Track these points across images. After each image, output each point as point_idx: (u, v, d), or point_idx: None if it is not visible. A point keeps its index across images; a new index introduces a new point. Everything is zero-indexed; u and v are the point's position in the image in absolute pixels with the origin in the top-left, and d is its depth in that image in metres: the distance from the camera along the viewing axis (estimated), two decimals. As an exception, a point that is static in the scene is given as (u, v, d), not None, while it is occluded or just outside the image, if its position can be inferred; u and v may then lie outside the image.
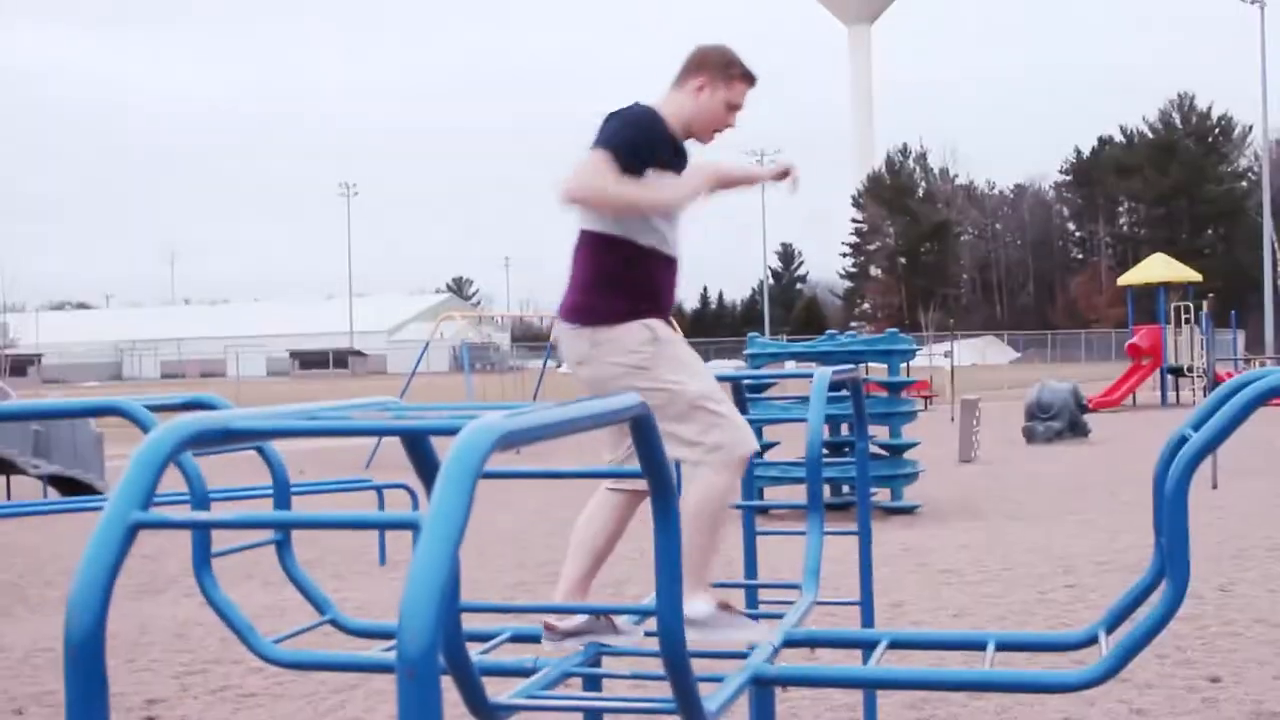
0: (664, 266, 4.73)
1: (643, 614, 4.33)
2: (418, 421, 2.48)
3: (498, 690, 3.82)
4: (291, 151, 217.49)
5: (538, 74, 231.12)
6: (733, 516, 4.92)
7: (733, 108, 4.75)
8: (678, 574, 3.13)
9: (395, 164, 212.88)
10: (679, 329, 4.97)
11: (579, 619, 4.50)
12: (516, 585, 10.76)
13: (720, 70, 4.73)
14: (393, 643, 4.56)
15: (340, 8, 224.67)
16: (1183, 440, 4.06)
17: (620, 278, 4.63)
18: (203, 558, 4.37)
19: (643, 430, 2.89)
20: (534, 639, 4.87)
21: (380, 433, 2.49)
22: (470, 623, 5.25)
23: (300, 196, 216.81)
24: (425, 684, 1.95)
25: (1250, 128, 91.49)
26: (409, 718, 1.95)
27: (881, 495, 15.13)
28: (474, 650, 4.57)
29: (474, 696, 3.35)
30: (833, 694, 7.13)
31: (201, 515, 2.48)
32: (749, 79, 4.79)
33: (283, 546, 4.78)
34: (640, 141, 4.54)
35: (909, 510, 14.72)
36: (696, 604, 4.44)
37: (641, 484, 4.55)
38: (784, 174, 5.15)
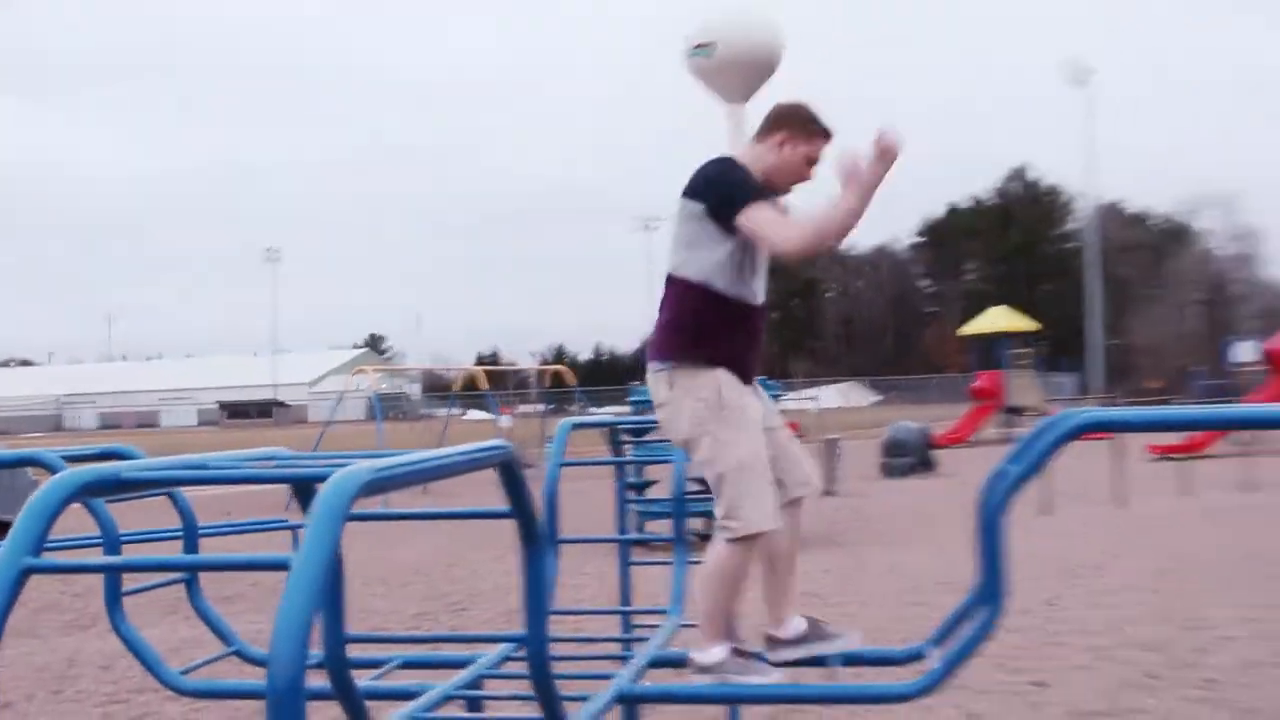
0: (749, 316, 4.51)
1: (516, 641, 4.30)
2: (291, 470, 2.46)
3: (385, 713, 3.78)
4: (219, 218, 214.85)
5: (445, 146, 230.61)
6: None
7: (811, 162, 4.58)
8: (543, 607, 3.11)
9: (316, 230, 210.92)
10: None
11: (798, 629, 4.45)
12: (419, 615, 10.63)
13: (801, 127, 4.57)
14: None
15: (260, 85, 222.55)
16: (1004, 474, 4.12)
17: (702, 325, 4.44)
18: (114, 597, 4.28)
19: (508, 478, 2.88)
20: (422, 665, 4.82)
21: (257, 481, 2.46)
22: (364, 651, 5.20)
23: (228, 260, 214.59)
24: (291, 713, 1.93)
25: (1077, 195, 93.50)
26: (277, 743, 1.93)
27: (750, 526, 15.18)
28: (366, 676, 4.53)
29: (358, 719, 3.31)
30: (700, 710, 7.12)
31: (88, 560, 2.43)
32: (827, 135, 4.61)
33: (191, 585, 4.71)
34: (754, 184, 4.44)
35: (776, 539, 14.78)
36: (710, 652, 4.36)
37: (794, 492, 4.53)
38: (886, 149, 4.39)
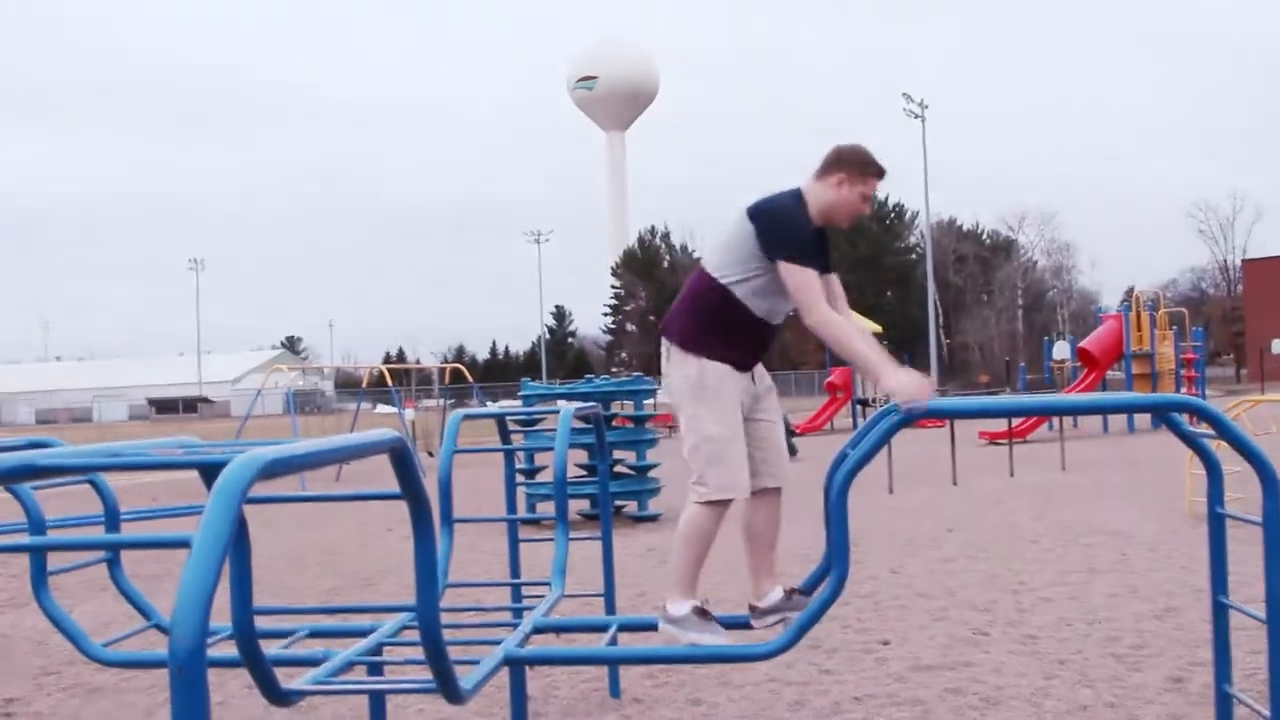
0: (756, 327, 4.53)
1: (412, 610, 4.23)
2: (197, 456, 2.39)
3: (293, 677, 3.69)
4: (149, 226, 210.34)
5: (357, 162, 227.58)
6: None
7: (866, 199, 4.55)
8: (433, 579, 3.05)
9: (240, 238, 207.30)
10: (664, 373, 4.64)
11: (776, 598, 4.48)
12: (331, 591, 10.44)
13: (858, 168, 4.53)
14: (212, 640, 4.39)
15: (191, 102, 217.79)
16: (844, 456, 4.15)
17: (712, 322, 4.50)
18: (39, 576, 4.15)
19: (398, 462, 2.82)
20: (328, 634, 4.73)
21: (164, 466, 2.37)
22: (276, 622, 5.09)
23: (156, 266, 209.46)
24: (192, 678, 1.86)
25: (917, 213, 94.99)
26: (179, 708, 1.86)
27: (630, 506, 15.18)
28: (275, 645, 4.42)
29: (267, 685, 3.23)
30: (585, 669, 7.09)
31: (11, 541, 2.32)
32: (881, 174, 4.58)
33: (113, 564, 4.57)
34: (804, 240, 4.39)
35: (653, 518, 14.78)
36: (677, 605, 4.45)
37: (765, 482, 4.49)
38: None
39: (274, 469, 2.11)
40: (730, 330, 4.50)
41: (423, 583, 3.04)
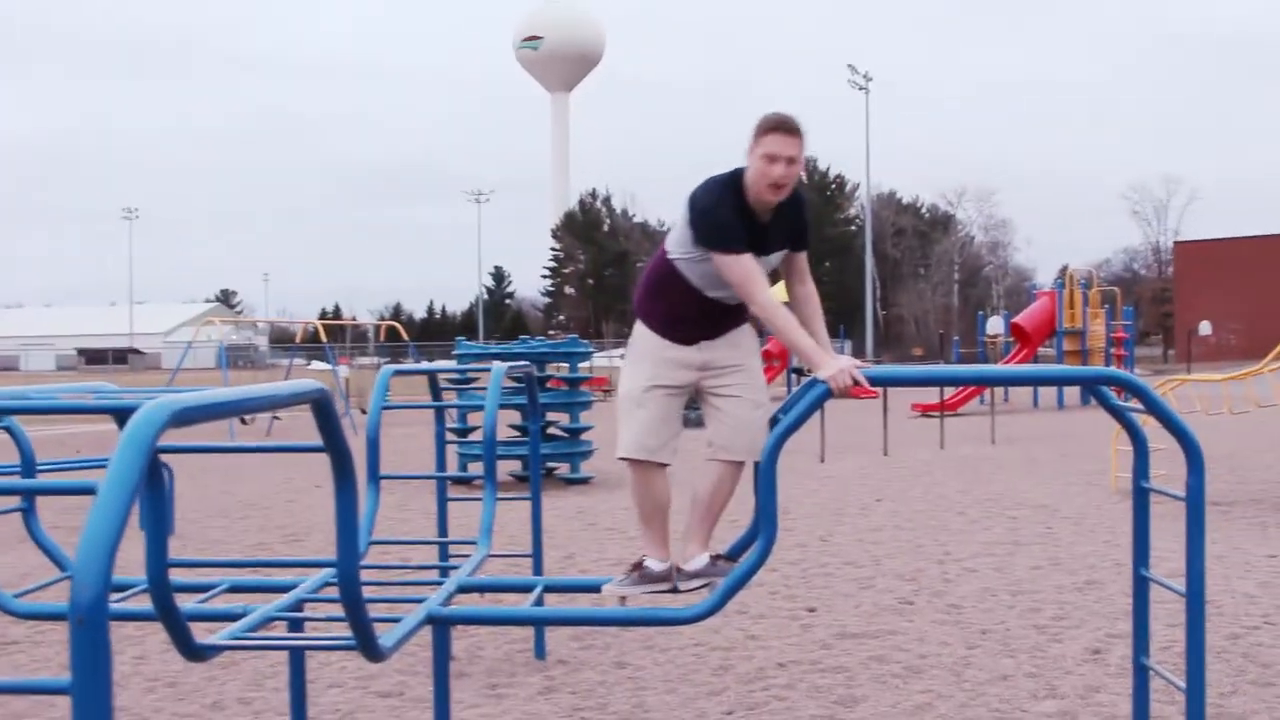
0: (706, 304, 4.45)
1: (327, 566, 4.17)
2: (105, 402, 2.31)
3: (211, 632, 3.62)
4: (81, 174, 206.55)
5: (297, 118, 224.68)
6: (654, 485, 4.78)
7: (770, 158, 4.28)
8: (354, 536, 3.00)
9: (176, 189, 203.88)
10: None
11: (700, 563, 4.41)
12: (257, 545, 10.33)
13: (756, 130, 4.36)
14: (126, 594, 4.30)
15: (128, 53, 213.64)
16: (775, 421, 4.13)
17: (658, 292, 4.52)
18: (-51, 524, 4.03)
19: (320, 414, 2.76)
20: (249, 589, 4.65)
21: (73, 411, 2.29)
22: (196, 576, 5.00)
23: (90, 214, 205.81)
24: (94, 630, 1.80)
25: (858, 185, 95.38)
26: (79, 661, 1.80)
27: (562, 469, 15.15)
28: (194, 600, 4.35)
29: (181, 639, 3.16)
30: (511, 630, 7.06)
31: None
32: (775, 127, 4.32)
33: (28, 514, 4.45)
34: (727, 225, 4.27)
35: (584, 481, 14.76)
36: (648, 560, 4.46)
37: (711, 452, 4.44)
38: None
39: (185, 416, 2.05)
40: (672, 303, 4.51)
41: (343, 538, 2.99)
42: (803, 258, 4.63)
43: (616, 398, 4.59)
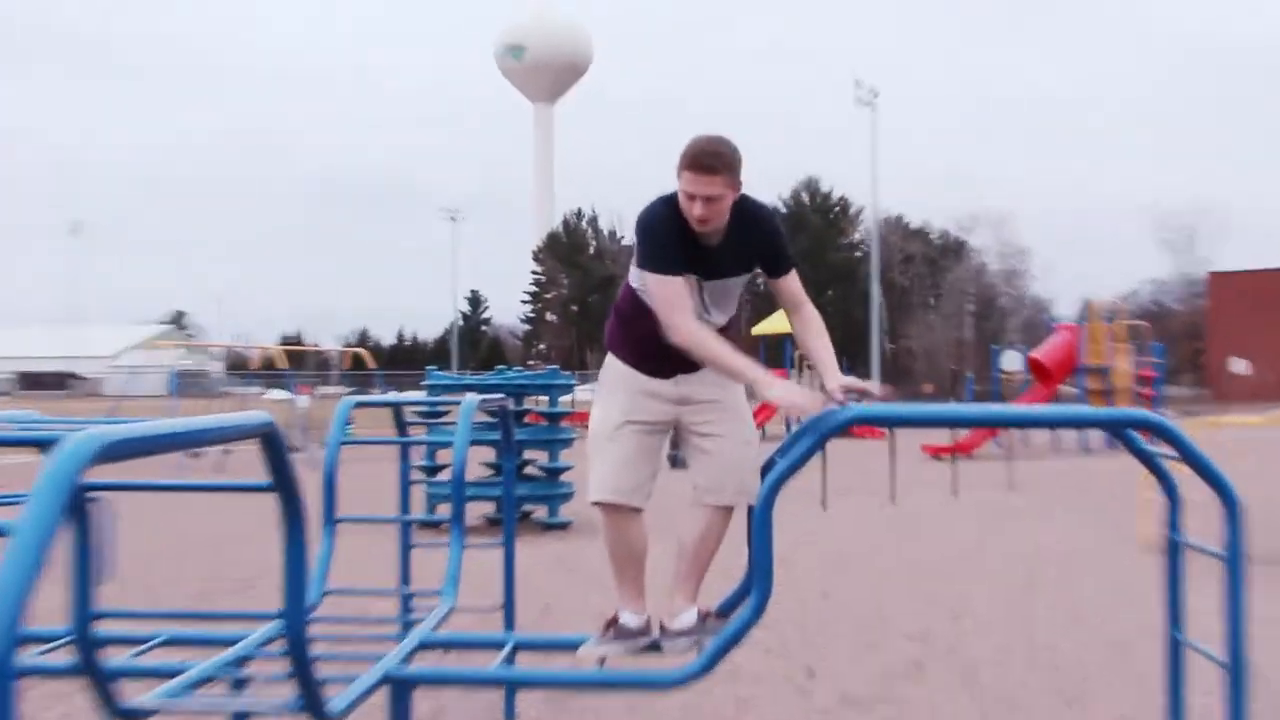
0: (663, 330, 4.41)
1: (272, 617, 4.09)
2: (28, 433, 2.25)
3: (145, 690, 3.54)
4: (20, 188, 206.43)
5: (258, 130, 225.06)
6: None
7: (690, 198, 4.27)
8: (302, 582, 2.93)
9: (127, 202, 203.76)
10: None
11: (688, 620, 4.37)
12: (199, 594, 10.22)
13: (678, 161, 4.33)
14: (50, 646, 4.21)
15: (71, 58, 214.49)
16: (771, 464, 4.07)
17: (628, 326, 4.56)
18: None
19: (269, 449, 2.69)
20: (187, 643, 4.57)
21: (-15, 445, 2.22)
22: (130, 627, 4.91)
23: (30, 231, 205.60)
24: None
25: (863, 208, 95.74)
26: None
27: (539, 512, 15.06)
28: (128, 652, 4.26)
29: (106, 698, 3.08)
30: (479, 690, 6.97)
31: None
32: (688, 165, 4.28)
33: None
34: (661, 246, 4.30)
35: (563, 526, 14.68)
36: (623, 614, 4.45)
37: (699, 496, 4.40)
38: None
39: (114, 451, 1.98)
40: (643, 334, 4.50)
41: (292, 587, 2.92)
42: (789, 281, 4.59)
43: (589, 434, 4.57)
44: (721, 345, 4.32)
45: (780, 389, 4.15)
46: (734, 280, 4.52)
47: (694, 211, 4.28)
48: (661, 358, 4.46)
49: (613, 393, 4.54)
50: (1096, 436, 30.63)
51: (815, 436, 3.78)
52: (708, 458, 4.44)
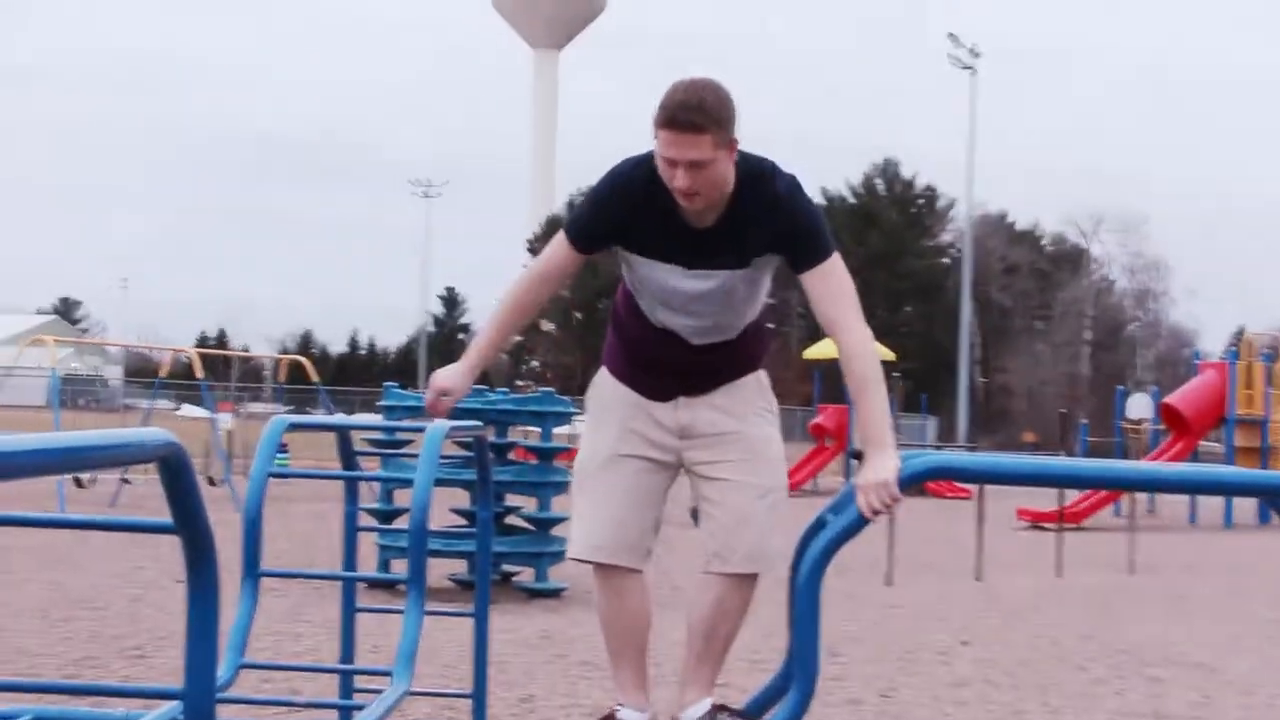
0: (683, 350, 4.51)
1: (172, 696, 4.08)
2: None
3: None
4: None
5: (180, 65, 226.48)
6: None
7: (669, 162, 4.27)
8: (211, 651, 2.92)
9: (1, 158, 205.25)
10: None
11: (695, 713, 4.47)
12: (83, 660, 10.23)
13: (653, 116, 4.30)
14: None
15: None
16: (821, 524, 4.07)
17: (627, 339, 4.65)
18: None
19: (170, 477, 2.68)
20: (60, 722, 4.57)
21: None
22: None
23: None
24: None
25: (954, 201, 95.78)
26: None
27: (524, 575, 15.05)
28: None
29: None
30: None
31: None
32: (663, 122, 4.29)
33: None
34: (584, 212, 4.49)
35: (554, 593, 14.67)
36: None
37: (712, 561, 4.41)
38: None
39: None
40: (637, 340, 4.48)
41: (195, 658, 2.91)
42: (820, 281, 4.45)
43: (576, 468, 4.67)
44: (497, 311, 4.56)
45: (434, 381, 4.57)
46: (731, 275, 4.40)
47: (676, 182, 4.23)
48: (658, 372, 4.43)
49: (602, 419, 4.52)
50: (1247, 507, 30.54)
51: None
52: (715, 509, 4.41)
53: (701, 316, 4.40)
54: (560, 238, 4.40)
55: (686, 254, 4.29)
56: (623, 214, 4.28)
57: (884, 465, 3.92)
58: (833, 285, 4.35)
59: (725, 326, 4.43)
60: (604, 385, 4.54)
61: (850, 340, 4.29)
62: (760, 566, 4.27)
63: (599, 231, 4.33)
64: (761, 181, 4.30)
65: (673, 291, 4.37)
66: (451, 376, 4.37)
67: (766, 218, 4.28)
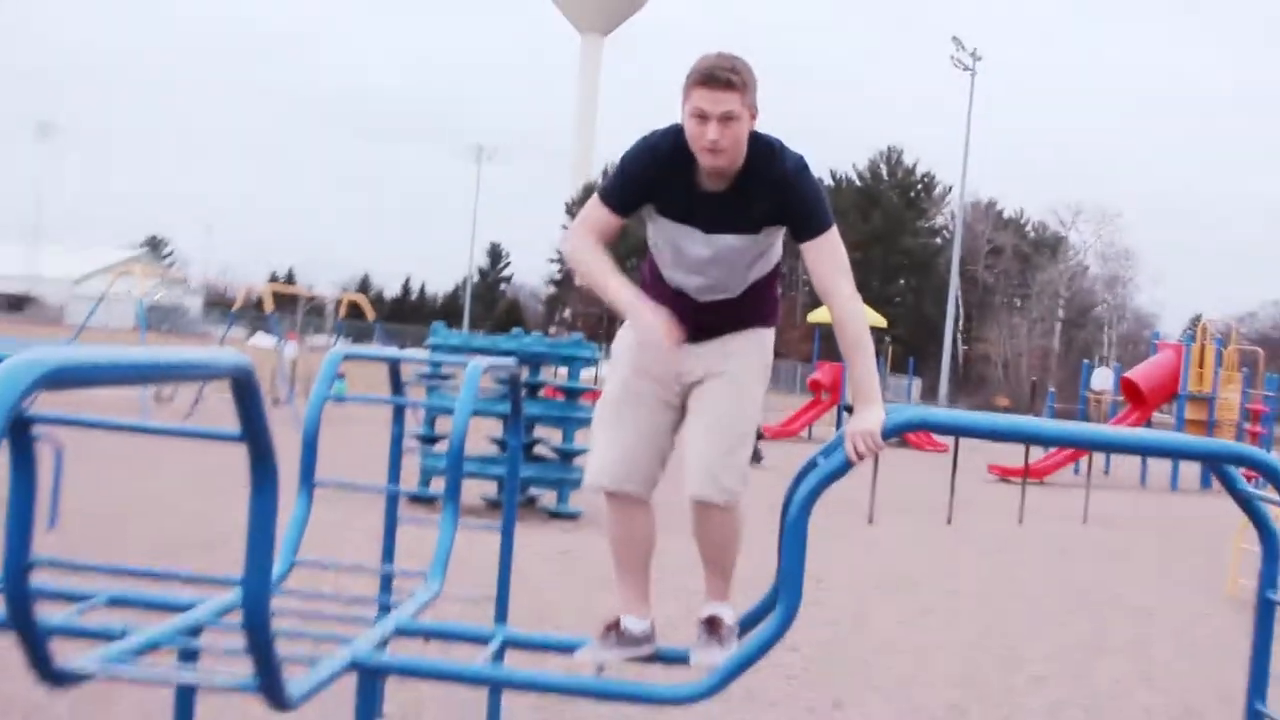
0: (679, 302, 4.49)
1: (234, 584, 4.12)
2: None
3: (83, 653, 3.57)
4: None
5: (265, 34, 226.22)
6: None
7: (699, 116, 4.22)
8: (268, 545, 2.95)
9: (105, 105, 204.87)
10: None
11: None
12: (156, 553, 10.29)
13: (684, 82, 4.31)
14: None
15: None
16: (812, 465, 4.08)
17: (651, 290, 4.60)
18: None
19: (240, 393, 2.71)
20: (132, 604, 4.61)
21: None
22: (73, 581, 4.97)
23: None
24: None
25: (950, 188, 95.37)
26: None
27: (547, 498, 15.11)
28: (65, 610, 4.30)
29: (38, 657, 3.11)
30: (462, 688, 7.01)
31: None
32: (700, 80, 4.25)
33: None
34: (618, 177, 4.41)
35: (572, 516, 14.72)
36: (624, 617, 4.51)
37: (688, 491, 4.39)
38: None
39: (62, 376, 2.00)
40: (655, 291, 4.50)
41: (255, 551, 2.94)
42: (815, 251, 4.40)
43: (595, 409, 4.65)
44: (599, 263, 4.41)
45: (646, 319, 4.24)
46: (741, 239, 4.39)
47: (707, 136, 4.22)
48: (677, 319, 4.46)
49: (618, 364, 4.57)
50: (1190, 473, 30.50)
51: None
52: (688, 440, 4.45)
53: (709, 276, 4.41)
54: (598, 205, 4.37)
55: (702, 217, 4.31)
56: (651, 175, 4.31)
57: (869, 417, 3.98)
58: (828, 256, 4.34)
59: (729, 286, 4.44)
60: (623, 338, 4.57)
61: (842, 305, 4.30)
62: (709, 494, 4.26)
63: (631, 191, 4.34)
64: (770, 157, 4.30)
65: (687, 252, 4.38)
66: (654, 315, 4.21)
67: (773, 190, 4.28)
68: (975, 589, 12.14)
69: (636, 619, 4.42)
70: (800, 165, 4.31)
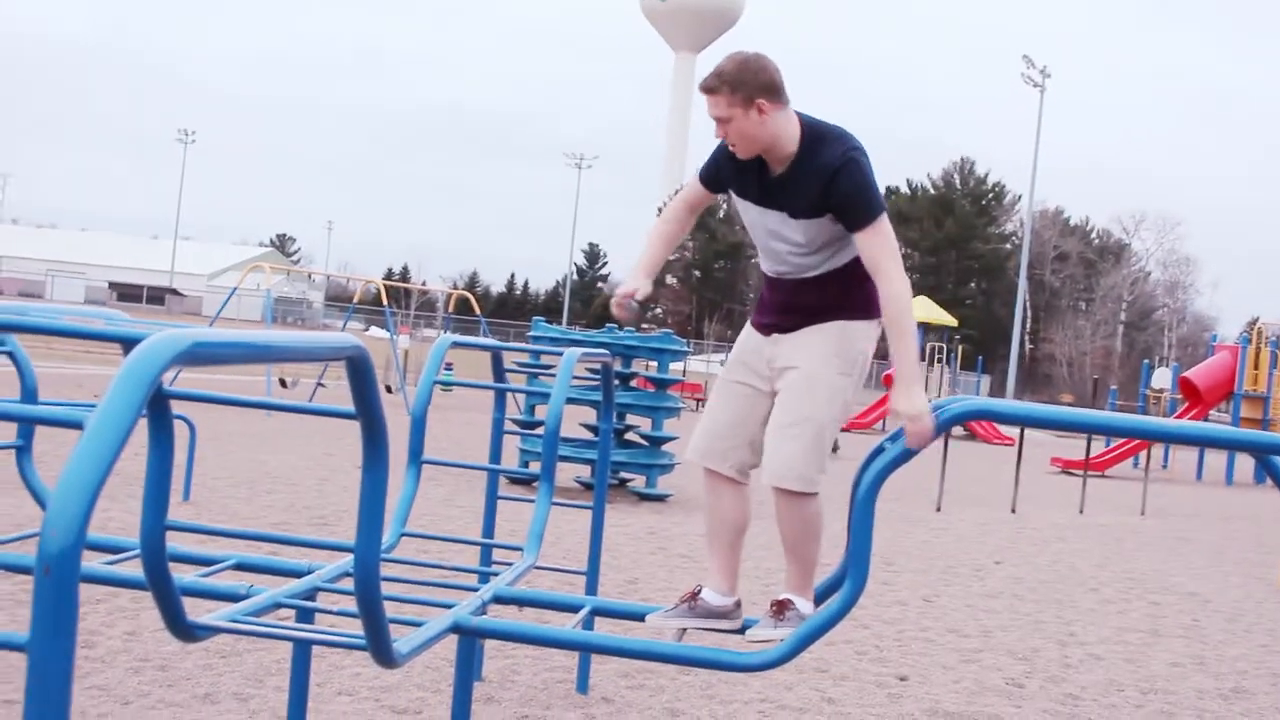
0: (777, 287, 4.49)
1: (347, 550, 4.19)
2: (110, 329, 2.33)
3: (209, 612, 3.65)
4: (133, 89, 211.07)
5: (385, 52, 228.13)
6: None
7: (715, 120, 4.27)
8: (378, 515, 3.00)
9: (235, 120, 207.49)
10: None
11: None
12: (278, 524, 10.45)
13: None
14: (119, 556, 4.36)
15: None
16: (879, 451, 4.07)
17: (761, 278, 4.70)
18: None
19: (356, 374, 2.76)
20: (258, 569, 4.70)
21: (72, 334, 2.31)
22: (202, 545, 5.07)
23: (139, 134, 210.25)
24: (61, 582, 1.79)
25: (1019, 197, 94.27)
26: (41, 615, 1.79)
27: (637, 481, 15.15)
28: (195, 572, 4.39)
29: (172, 613, 3.18)
30: (554, 654, 7.07)
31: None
32: (703, 88, 4.29)
33: (22, 452, 4.53)
34: (708, 163, 4.58)
35: (660, 498, 14.74)
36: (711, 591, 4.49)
37: (765, 480, 4.40)
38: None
39: (198, 353, 2.05)
40: (763, 282, 4.61)
41: (366, 519, 2.99)
42: (865, 241, 4.28)
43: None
44: (655, 227, 4.70)
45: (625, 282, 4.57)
46: (793, 220, 4.32)
47: (726, 139, 4.33)
48: (763, 309, 4.49)
49: (733, 357, 4.61)
50: (1244, 470, 30.00)
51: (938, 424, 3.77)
52: (768, 428, 4.40)
53: (778, 256, 4.39)
54: (694, 178, 4.54)
55: (762, 194, 4.35)
56: (729, 160, 4.38)
57: (906, 398, 3.96)
58: (876, 243, 4.26)
59: (801, 268, 4.39)
60: (746, 326, 4.65)
61: (888, 290, 4.27)
62: (782, 482, 4.21)
63: (716, 168, 4.42)
64: (821, 146, 4.25)
65: (755, 225, 4.42)
66: (631, 279, 4.39)
67: (816, 179, 4.24)
68: (1037, 575, 12.03)
69: (716, 593, 4.41)
70: (845, 158, 4.21)
